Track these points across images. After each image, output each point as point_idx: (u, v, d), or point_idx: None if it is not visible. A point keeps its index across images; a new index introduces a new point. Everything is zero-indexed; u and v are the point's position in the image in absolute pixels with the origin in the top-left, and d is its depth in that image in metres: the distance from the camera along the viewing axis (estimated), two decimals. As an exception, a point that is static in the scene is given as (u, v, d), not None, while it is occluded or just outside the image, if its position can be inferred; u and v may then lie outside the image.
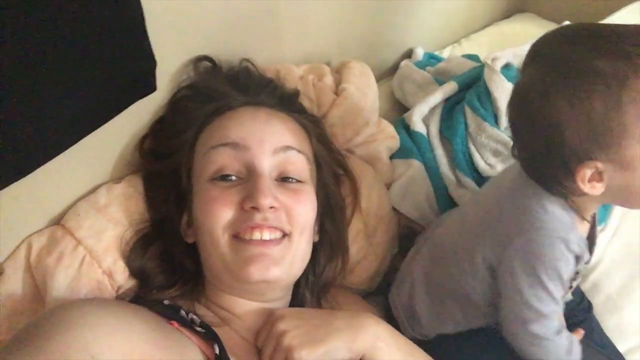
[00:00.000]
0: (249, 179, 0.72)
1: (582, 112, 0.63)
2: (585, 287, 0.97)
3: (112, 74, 0.69)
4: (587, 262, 0.79)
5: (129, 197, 0.78)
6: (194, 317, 0.71)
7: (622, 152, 0.64)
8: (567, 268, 0.73)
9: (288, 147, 0.76)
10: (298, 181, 0.76)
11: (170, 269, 0.77)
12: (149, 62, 0.72)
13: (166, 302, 0.73)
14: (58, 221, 0.77)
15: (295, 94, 0.89)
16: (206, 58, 0.84)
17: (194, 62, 0.83)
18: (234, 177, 0.73)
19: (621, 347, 0.93)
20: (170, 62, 0.80)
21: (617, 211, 1.01)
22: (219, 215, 0.71)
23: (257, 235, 0.70)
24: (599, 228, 0.99)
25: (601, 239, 1.00)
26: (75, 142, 0.70)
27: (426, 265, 0.87)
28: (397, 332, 0.75)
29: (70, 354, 0.54)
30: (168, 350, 0.63)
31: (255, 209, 0.69)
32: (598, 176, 0.67)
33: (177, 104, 0.82)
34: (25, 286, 0.74)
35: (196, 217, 0.74)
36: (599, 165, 0.65)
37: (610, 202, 0.76)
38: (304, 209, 0.74)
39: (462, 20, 1.44)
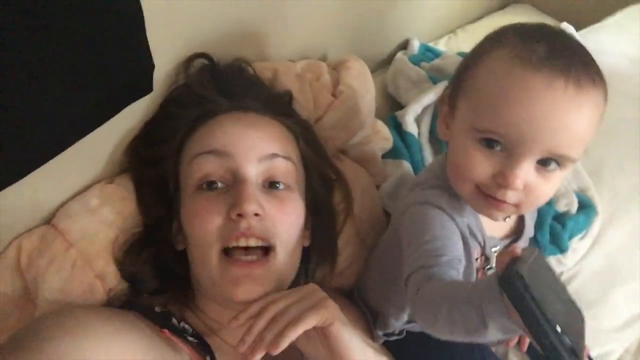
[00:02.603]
0: (234, 186, 0.72)
1: None
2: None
3: (110, 77, 0.68)
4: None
5: (122, 199, 0.77)
6: (186, 326, 0.72)
7: None
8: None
9: (274, 155, 0.75)
10: (285, 186, 0.75)
11: (162, 274, 0.77)
12: (148, 65, 0.71)
13: (157, 309, 0.73)
14: (48, 220, 0.76)
15: (285, 95, 0.88)
16: (202, 55, 0.82)
17: (188, 60, 0.81)
18: (219, 184, 0.72)
19: (595, 352, 0.98)
20: (164, 60, 0.78)
21: (599, 221, 1.04)
22: (207, 227, 0.70)
23: (242, 242, 0.70)
24: (578, 237, 1.02)
25: (580, 248, 1.02)
26: (74, 142, 0.69)
27: (379, 251, 0.88)
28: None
29: (65, 359, 0.54)
30: (161, 359, 0.63)
31: (241, 215, 0.69)
32: None
33: (166, 107, 0.80)
34: (15, 287, 0.74)
35: (184, 227, 0.74)
36: None
37: None
38: (287, 219, 0.74)
39: (457, 10, 1.43)
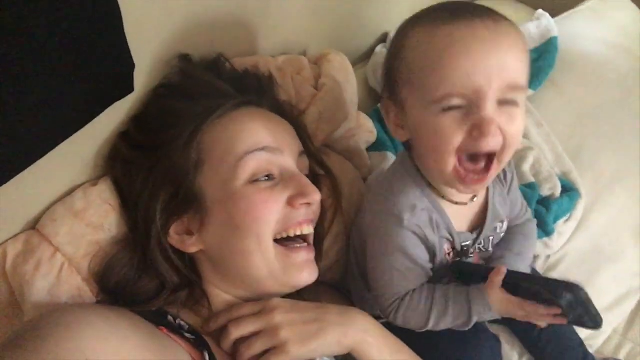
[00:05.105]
0: (287, 179, 0.75)
1: None
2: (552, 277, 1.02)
3: (91, 78, 0.67)
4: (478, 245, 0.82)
5: (107, 200, 0.76)
6: (182, 322, 0.71)
7: None
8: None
9: (302, 152, 0.81)
10: None
11: (152, 281, 0.75)
12: (128, 64, 0.70)
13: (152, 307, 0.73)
14: (33, 225, 0.75)
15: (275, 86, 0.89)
16: (185, 57, 0.82)
17: (174, 60, 0.81)
18: (275, 177, 0.75)
19: (585, 334, 0.99)
20: (144, 60, 0.77)
21: (582, 203, 1.05)
22: (269, 217, 0.73)
23: (305, 229, 0.76)
24: (563, 219, 1.03)
25: (566, 230, 1.04)
26: (55, 146, 0.68)
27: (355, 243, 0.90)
28: (384, 328, 0.77)
29: (64, 357, 0.54)
30: (160, 356, 0.63)
31: (308, 204, 0.76)
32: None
33: (162, 98, 0.79)
34: (0, 294, 0.72)
35: (233, 221, 0.73)
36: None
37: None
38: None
39: (435, 3, 1.43)
